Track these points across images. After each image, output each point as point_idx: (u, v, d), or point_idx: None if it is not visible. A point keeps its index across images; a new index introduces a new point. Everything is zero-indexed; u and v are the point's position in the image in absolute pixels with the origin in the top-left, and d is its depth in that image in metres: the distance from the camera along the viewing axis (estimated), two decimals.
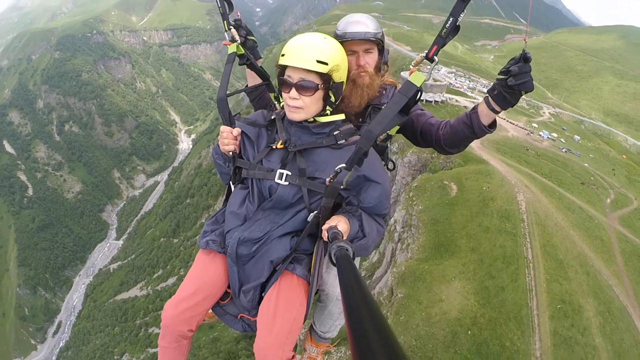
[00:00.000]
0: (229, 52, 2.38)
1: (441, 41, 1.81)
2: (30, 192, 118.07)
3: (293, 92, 1.91)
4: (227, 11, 2.40)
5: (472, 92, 53.77)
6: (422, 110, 2.40)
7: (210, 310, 2.25)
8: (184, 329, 2.02)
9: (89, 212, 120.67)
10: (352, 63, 2.24)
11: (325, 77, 1.88)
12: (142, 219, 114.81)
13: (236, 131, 2.14)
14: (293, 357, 1.95)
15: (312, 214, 1.97)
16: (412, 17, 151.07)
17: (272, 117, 2.16)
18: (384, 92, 2.37)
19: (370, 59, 2.30)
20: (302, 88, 1.89)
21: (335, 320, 2.50)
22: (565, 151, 42.00)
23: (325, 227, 1.82)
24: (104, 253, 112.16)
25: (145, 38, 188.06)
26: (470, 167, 30.32)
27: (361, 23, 2.26)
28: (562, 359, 17.92)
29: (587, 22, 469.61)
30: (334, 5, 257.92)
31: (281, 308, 1.92)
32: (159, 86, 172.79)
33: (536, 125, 47.77)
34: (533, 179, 30.48)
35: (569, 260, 22.57)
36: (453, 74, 62.02)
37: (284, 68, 1.92)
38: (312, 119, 2.02)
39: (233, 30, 2.37)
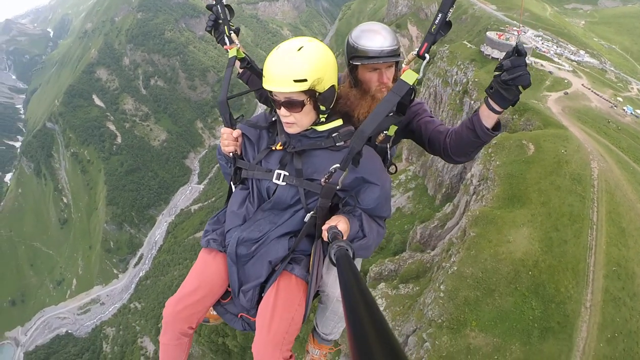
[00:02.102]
0: (229, 56, 2.49)
1: (431, 38, 1.79)
2: (119, 140, 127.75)
3: (283, 110, 1.93)
4: (228, 17, 2.54)
5: (558, 58, 50.84)
6: (431, 117, 2.39)
7: (214, 312, 2.32)
8: (184, 326, 2.06)
9: (174, 159, 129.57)
10: (373, 79, 2.25)
11: (309, 92, 1.87)
12: None
13: (236, 132, 2.19)
14: (291, 357, 1.96)
15: (309, 214, 2.01)
16: None
17: (273, 119, 2.18)
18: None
19: (390, 74, 2.30)
20: (289, 106, 1.90)
21: (337, 322, 2.52)
22: None
23: (325, 227, 1.83)
24: (185, 195, 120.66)
25: None
26: (550, 130, 31.18)
27: (378, 34, 2.20)
28: (609, 315, 19.74)
29: None
30: None
31: (279, 308, 1.94)
32: (240, 40, 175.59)
33: (621, 100, 44.89)
34: (609, 150, 30.55)
35: (630, 230, 23.62)
36: (540, 38, 58.48)
37: None
38: (310, 128, 2.04)
39: (233, 34, 2.53)
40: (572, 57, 53.82)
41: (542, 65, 45.65)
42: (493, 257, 21.79)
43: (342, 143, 2.02)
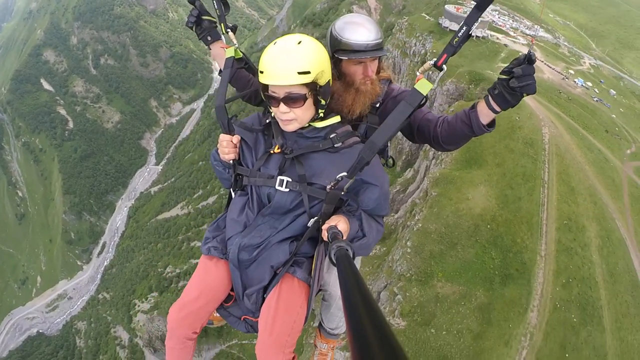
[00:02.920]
0: (226, 56, 2.36)
1: (452, 50, 1.78)
2: (70, 125, 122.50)
3: (282, 106, 1.89)
4: (224, 12, 2.37)
5: (514, 32, 53.19)
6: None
7: (217, 313, 2.34)
8: (188, 331, 2.10)
9: (129, 140, 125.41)
10: (357, 72, 2.23)
11: (311, 85, 1.85)
12: (180, 145, 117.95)
13: (236, 139, 2.16)
14: (293, 358, 2.00)
15: (312, 219, 2.01)
16: None
17: (268, 121, 2.15)
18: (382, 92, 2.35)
19: (374, 66, 2.29)
20: (291, 101, 1.87)
21: (341, 317, 2.54)
22: (597, 100, 42.63)
23: (325, 227, 1.83)
24: (144, 178, 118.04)
25: None
26: None
27: (363, 27, 2.17)
28: (562, 262, 21.88)
29: None
30: None
31: (281, 310, 1.96)
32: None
33: (573, 72, 47.86)
34: (560, 118, 32.73)
35: (579, 189, 25.92)
36: (497, 12, 60.84)
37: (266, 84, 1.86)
38: (307, 125, 2.02)
39: (230, 33, 2.38)
40: (527, 32, 56.47)
41: (497, 38, 47.60)
42: (454, 213, 23.35)
43: (340, 144, 2.00)
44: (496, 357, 19.12)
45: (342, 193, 1.92)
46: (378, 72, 2.37)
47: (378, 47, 2.20)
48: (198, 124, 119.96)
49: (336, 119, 2.09)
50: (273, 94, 1.89)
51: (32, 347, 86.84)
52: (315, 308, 2.62)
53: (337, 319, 2.59)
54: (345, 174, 1.84)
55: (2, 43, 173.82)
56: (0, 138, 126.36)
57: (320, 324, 2.76)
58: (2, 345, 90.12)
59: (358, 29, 2.16)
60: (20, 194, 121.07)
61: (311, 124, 2.03)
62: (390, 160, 2.44)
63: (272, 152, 2.08)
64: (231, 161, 2.19)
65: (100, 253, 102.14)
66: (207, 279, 2.14)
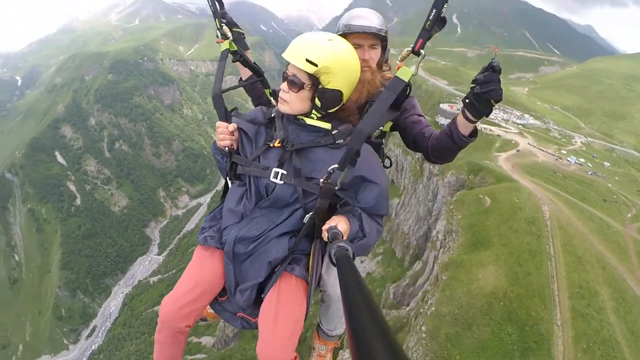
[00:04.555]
0: (221, 49, 2.43)
1: (426, 34, 1.82)
2: (78, 201, 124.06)
3: (284, 85, 1.96)
4: (218, 9, 2.43)
5: (505, 123, 57.60)
6: (420, 116, 2.42)
7: (211, 310, 2.31)
8: (181, 324, 2.04)
9: (133, 227, 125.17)
10: None
11: (313, 79, 1.88)
12: (184, 237, 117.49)
13: (232, 126, 2.16)
14: (295, 357, 1.96)
15: (307, 215, 1.99)
16: (447, 52, 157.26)
17: (272, 115, 2.17)
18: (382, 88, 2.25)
19: (374, 55, 2.32)
20: (291, 83, 1.93)
21: (340, 318, 2.53)
22: (591, 174, 44.67)
23: (325, 227, 1.82)
24: (144, 266, 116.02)
25: (192, 67, 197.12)
26: (503, 184, 34.99)
27: (366, 18, 2.26)
28: (580, 328, 21.73)
29: (622, 50, 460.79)
30: None
31: (282, 310, 1.94)
32: (204, 113, 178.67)
33: (565, 152, 50.79)
34: (558, 195, 34.46)
35: (587, 257, 26.62)
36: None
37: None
38: (300, 117, 2.04)
39: (225, 27, 2.42)
40: (518, 121, 61.17)
41: (491, 129, 52.06)
42: (466, 294, 23.66)
43: (341, 141, 1.99)
44: None
45: (336, 188, 1.90)
46: (380, 66, 2.42)
47: (376, 32, 2.27)
48: (203, 219, 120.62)
49: (326, 125, 2.05)
50: (286, 71, 1.98)
51: None
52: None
53: (335, 320, 2.56)
54: (336, 166, 1.86)
55: (23, 109, 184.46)
56: (6, 199, 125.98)
57: (318, 325, 2.72)
58: None
59: (360, 17, 2.29)
60: (17, 258, 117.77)
61: (301, 117, 2.04)
62: (388, 161, 2.52)
63: (272, 145, 2.08)
64: (227, 149, 2.18)
65: (89, 336, 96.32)
66: (203, 270, 2.11)
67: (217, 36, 2.46)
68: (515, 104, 71.06)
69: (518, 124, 59.26)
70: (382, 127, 2.25)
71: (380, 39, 2.31)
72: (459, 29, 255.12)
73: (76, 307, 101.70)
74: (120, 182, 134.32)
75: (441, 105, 53.81)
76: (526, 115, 65.05)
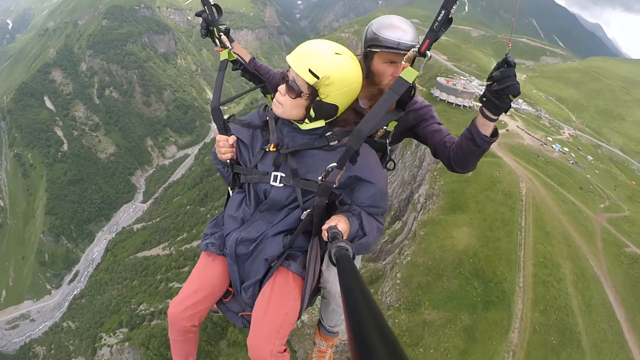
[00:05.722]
0: (220, 59, 2.41)
1: (433, 35, 1.79)
2: (65, 147, 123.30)
3: (282, 87, 1.97)
4: (216, 17, 2.42)
5: None
6: (439, 124, 2.39)
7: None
8: (187, 324, 2.12)
9: (119, 174, 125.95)
10: (387, 72, 2.20)
11: (312, 90, 1.87)
12: (169, 187, 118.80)
13: (232, 139, 2.18)
14: (285, 350, 1.99)
15: (305, 212, 2.01)
16: (451, 28, 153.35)
17: (267, 118, 2.17)
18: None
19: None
20: (289, 88, 1.92)
21: (340, 315, 2.54)
22: (573, 163, 46.64)
23: (325, 227, 1.81)
24: (128, 213, 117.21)
25: (189, 17, 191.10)
26: (486, 158, 36.25)
27: (399, 29, 2.13)
28: (540, 293, 24.10)
29: (627, 54, 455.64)
30: (375, 7, 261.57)
31: (274, 303, 1.98)
32: (198, 65, 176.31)
33: (551, 140, 52.38)
34: (537, 176, 36.47)
35: (554, 234, 28.85)
36: (483, 86, 66.88)
37: None
38: (293, 122, 2.04)
39: (223, 37, 2.42)
40: (513, 105, 61.92)
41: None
42: (440, 248, 25.91)
43: (335, 142, 1.99)
44: None
45: (334, 186, 1.90)
46: None
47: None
48: (190, 169, 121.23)
49: (320, 122, 2.02)
50: (287, 74, 1.97)
51: None
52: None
53: (336, 317, 2.59)
54: (335, 164, 1.84)
55: (13, 52, 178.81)
56: None
57: (319, 322, 2.75)
58: None
59: (394, 29, 2.13)
60: (1, 203, 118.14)
61: (295, 122, 2.04)
62: (391, 163, 2.46)
63: (267, 149, 2.09)
64: (228, 161, 2.20)
65: (71, 281, 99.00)
66: (205, 275, 2.18)
67: (216, 44, 2.46)
68: None
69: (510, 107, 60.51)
70: (385, 127, 2.18)
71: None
72: (466, 7, 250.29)
73: (59, 253, 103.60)
74: (108, 129, 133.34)
75: (438, 78, 54.34)
76: (520, 100, 66.03)
